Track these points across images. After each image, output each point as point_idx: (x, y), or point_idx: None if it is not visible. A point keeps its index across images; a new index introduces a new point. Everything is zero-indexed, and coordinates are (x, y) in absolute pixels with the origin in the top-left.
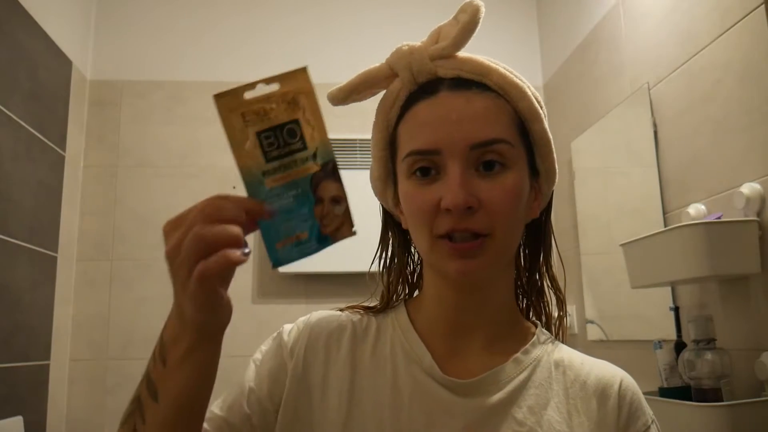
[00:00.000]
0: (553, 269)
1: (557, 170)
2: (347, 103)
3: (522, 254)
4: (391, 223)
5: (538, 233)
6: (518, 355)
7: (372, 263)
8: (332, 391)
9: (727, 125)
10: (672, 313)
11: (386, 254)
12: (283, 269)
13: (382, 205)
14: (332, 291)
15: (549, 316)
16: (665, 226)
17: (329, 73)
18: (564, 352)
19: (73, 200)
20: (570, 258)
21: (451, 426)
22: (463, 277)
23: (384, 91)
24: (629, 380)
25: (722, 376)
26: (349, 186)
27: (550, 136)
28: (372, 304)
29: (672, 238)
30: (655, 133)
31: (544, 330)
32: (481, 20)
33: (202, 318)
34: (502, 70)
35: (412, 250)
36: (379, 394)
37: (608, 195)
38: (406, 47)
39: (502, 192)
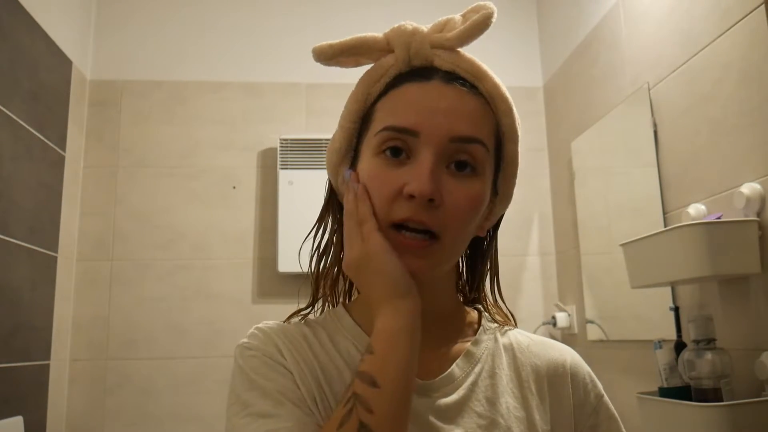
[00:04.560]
0: (490, 290)
1: (512, 196)
2: (332, 64)
3: (465, 268)
4: (334, 204)
5: (481, 252)
6: (469, 347)
7: (301, 246)
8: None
9: (727, 125)
10: (672, 313)
11: (322, 239)
12: (282, 269)
13: (330, 182)
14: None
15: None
16: (665, 226)
17: (330, 73)
18: (510, 336)
19: (73, 200)
20: (570, 258)
21: (414, 428)
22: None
23: (369, 65)
24: (576, 358)
25: (722, 376)
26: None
27: (519, 161)
28: (307, 305)
29: (672, 238)
30: (655, 133)
31: (487, 316)
32: (491, 26)
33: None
34: (496, 79)
35: None
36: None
37: (608, 195)
38: (410, 27)
39: (465, 196)
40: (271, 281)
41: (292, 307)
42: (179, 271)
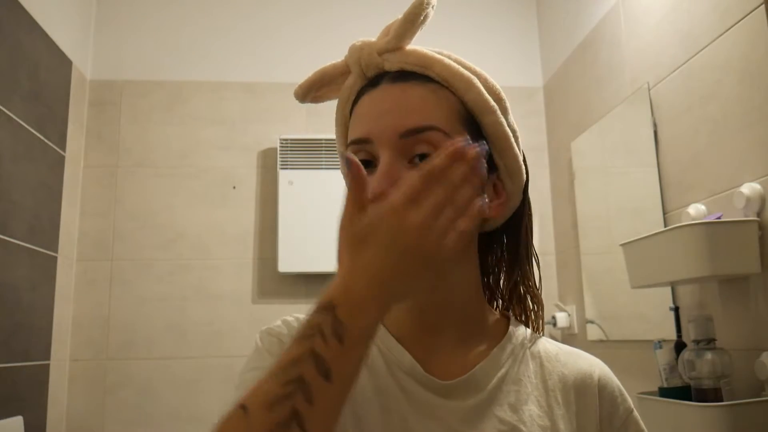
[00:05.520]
0: (531, 274)
1: (523, 167)
2: (309, 101)
3: (501, 257)
4: None
5: (516, 237)
6: (495, 351)
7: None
8: None
9: (727, 125)
10: (672, 313)
11: None
12: (282, 269)
13: None
14: None
15: (529, 318)
16: (665, 226)
17: None
18: (539, 343)
19: (73, 200)
20: (570, 258)
21: (434, 428)
22: None
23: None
24: (605, 371)
25: (722, 376)
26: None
27: (508, 130)
28: None
29: (672, 238)
30: (655, 133)
31: (517, 322)
32: (425, 12)
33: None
34: (446, 61)
35: None
36: (367, 398)
37: (608, 195)
38: (359, 43)
39: None
40: (271, 281)
41: (293, 308)
42: (179, 271)
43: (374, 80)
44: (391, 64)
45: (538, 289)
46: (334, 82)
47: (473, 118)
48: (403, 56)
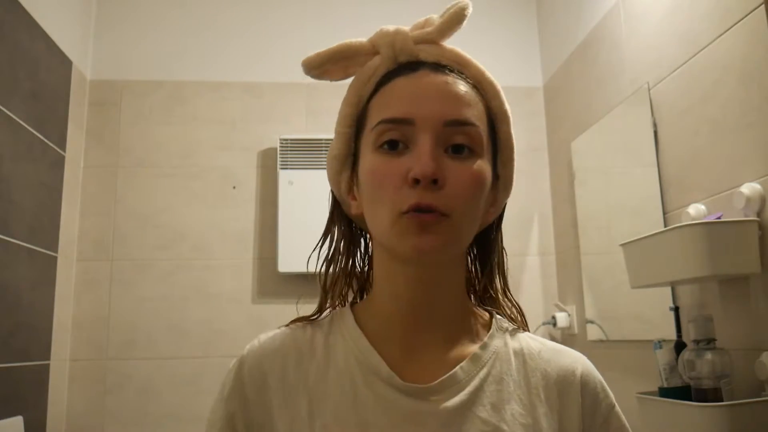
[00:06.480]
0: (499, 281)
1: (513, 181)
2: (320, 73)
3: (474, 266)
4: (338, 214)
5: (487, 246)
6: (476, 350)
7: (309, 257)
8: (296, 423)
9: (727, 125)
10: (672, 313)
11: (330, 249)
12: (282, 269)
13: (332, 193)
14: None
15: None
16: (665, 226)
17: None
18: (522, 340)
19: (73, 200)
20: (570, 258)
21: (414, 431)
22: (419, 255)
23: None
24: (588, 367)
25: (722, 376)
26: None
27: (514, 143)
28: (314, 313)
29: (672, 238)
30: (655, 133)
31: (499, 319)
32: (467, 16)
33: None
34: (480, 65)
35: (361, 246)
36: (342, 414)
37: (608, 195)
38: (392, 28)
39: (468, 175)
40: (271, 281)
41: (292, 307)
42: (179, 271)
43: (409, 65)
44: (427, 54)
45: (508, 294)
46: (353, 59)
47: (493, 124)
48: (440, 50)
